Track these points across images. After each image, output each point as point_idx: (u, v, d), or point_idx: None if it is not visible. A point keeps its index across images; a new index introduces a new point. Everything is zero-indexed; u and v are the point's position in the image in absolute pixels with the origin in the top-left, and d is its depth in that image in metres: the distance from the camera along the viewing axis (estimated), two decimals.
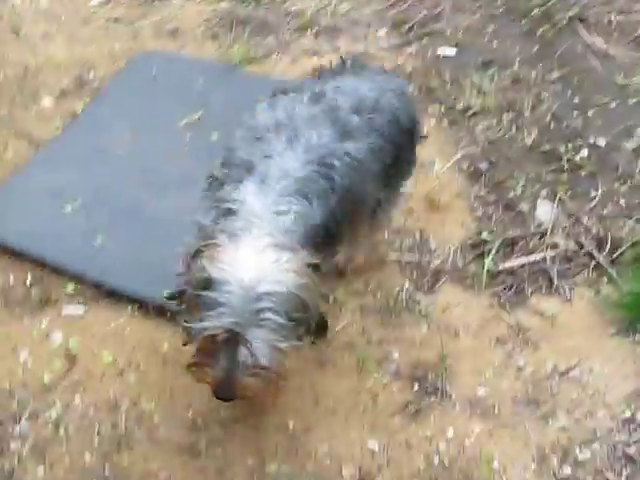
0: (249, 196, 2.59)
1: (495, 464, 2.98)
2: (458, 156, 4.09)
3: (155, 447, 3.00)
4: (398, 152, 3.02)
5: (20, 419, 3.14)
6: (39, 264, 3.61)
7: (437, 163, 4.05)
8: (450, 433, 3.06)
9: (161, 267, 3.02)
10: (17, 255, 3.64)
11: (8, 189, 3.92)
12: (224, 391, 2.48)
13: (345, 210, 2.76)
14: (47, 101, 4.45)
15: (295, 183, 2.64)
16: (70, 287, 3.55)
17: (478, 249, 3.70)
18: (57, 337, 3.38)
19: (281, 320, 2.38)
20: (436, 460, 3.00)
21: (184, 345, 2.58)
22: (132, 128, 4.15)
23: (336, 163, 2.72)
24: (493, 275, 3.59)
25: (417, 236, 3.76)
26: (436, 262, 3.65)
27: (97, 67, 4.63)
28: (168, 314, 3.27)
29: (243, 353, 2.36)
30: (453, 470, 2.98)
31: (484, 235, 3.72)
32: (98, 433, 3.04)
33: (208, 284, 2.40)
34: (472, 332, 3.38)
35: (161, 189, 3.84)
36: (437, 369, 3.25)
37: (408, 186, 3.35)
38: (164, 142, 4.07)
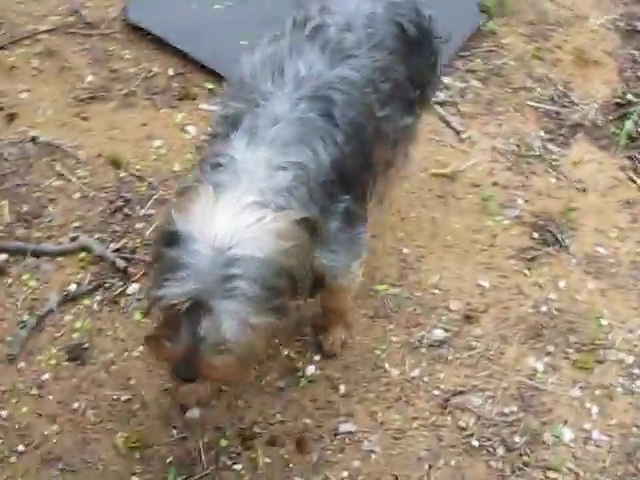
0: (238, 152, 2.26)
1: (603, 322, 3.03)
2: (617, 13, 3.96)
3: None
4: (412, 68, 2.67)
5: (147, 202, 3.26)
6: (183, 58, 3.71)
7: (592, 17, 3.94)
8: (562, 285, 3.11)
9: None
10: (163, 46, 3.76)
11: None
12: (184, 369, 2.12)
13: (358, 149, 2.43)
14: None
15: (289, 128, 2.30)
16: (210, 85, 3.64)
17: (621, 110, 3.64)
18: (192, 130, 3.49)
19: (254, 290, 2.04)
20: (544, 308, 3.06)
21: (144, 317, 2.38)
22: None
23: (333, 95, 2.37)
24: (632, 138, 3.54)
25: (560, 87, 3.71)
26: (575, 116, 3.63)
27: None
28: None
29: (207, 326, 2.03)
30: (559, 320, 3.03)
31: (629, 96, 3.65)
32: None
33: (173, 239, 2.08)
34: (601, 191, 3.39)
35: None
36: (560, 221, 3.29)
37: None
38: None
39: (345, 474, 2.67)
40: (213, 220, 2.06)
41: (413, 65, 2.66)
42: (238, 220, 2.07)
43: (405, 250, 3.19)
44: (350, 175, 2.42)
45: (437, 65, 2.85)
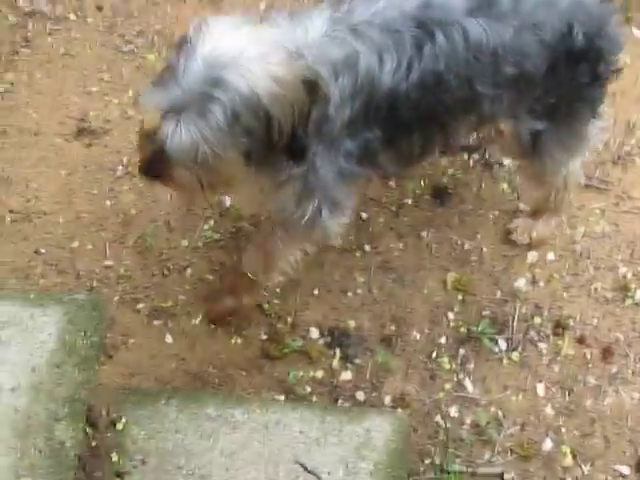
0: (314, 15, 2.28)
1: None
2: None
3: None
4: (563, 72, 2.47)
5: None
6: None
7: None
8: None
9: None
10: None
11: None
12: (147, 167, 2.24)
13: (427, 100, 2.34)
14: None
15: (377, 29, 2.27)
16: None
17: None
18: None
19: (226, 120, 2.07)
20: None
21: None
22: None
23: (439, 35, 2.28)
24: None
25: None
26: None
27: None
28: None
29: (172, 135, 2.08)
30: None
31: None
32: None
33: (181, 46, 2.12)
34: None
35: None
36: None
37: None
38: None
39: (637, 396, 2.82)
40: (221, 37, 2.09)
41: (558, 72, 2.46)
42: (246, 47, 2.08)
43: None
44: (400, 117, 2.35)
45: (594, 89, 2.60)
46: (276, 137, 2.15)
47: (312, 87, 2.14)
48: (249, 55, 2.07)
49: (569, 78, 2.49)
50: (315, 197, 2.43)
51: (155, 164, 2.19)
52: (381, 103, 2.29)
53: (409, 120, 2.36)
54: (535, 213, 3.04)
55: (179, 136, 2.07)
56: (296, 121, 2.15)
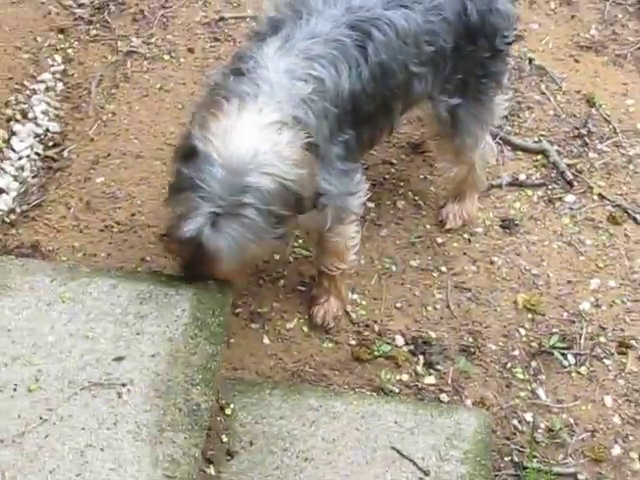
0: (265, 57, 2.44)
1: None
2: None
3: None
4: (466, 47, 2.77)
5: (605, 141, 3.78)
6: None
7: None
8: None
9: None
10: None
11: None
12: (194, 270, 2.50)
13: (380, 91, 2.60)
14: None
15: (322, 46, 2.46)
16: None
17: None
18: None
19: (263, 220, 2.30)
20: None
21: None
22: None
23: (374, 31, 2.52)
24: None
25: None
26: None
27: None
28: None
29: (212, 242, 2.33)
30: None
31: None
32: None
33: (191, 156, 2.28)
34: None
35: None
36: None
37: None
38: None
39: None
40: (232, 141, 2.24)
41: (461, 48, 2.75)
42: (257, 142, 2.25)
43: None
44: (363, 112, 2.57)
45: (495, 62, 2.90)
46: (305, 207, 2.42)
47: (313, 148, 2.37)
48: (264, 151, 2.27)
49: (472, 53, 2.78)
50: (327, 204, 2.61)
51: (200, 267, 2.44)
52: (347, 107, 2.54)
53: (368, 112, 2.61)
54: (457, 195, 3.29)
55: (225, 244, 2.29)
56: (314, 182, 2.39)
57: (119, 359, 2.41)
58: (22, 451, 2.23)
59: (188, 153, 2.29)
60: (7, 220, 3.28)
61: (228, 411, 2.62)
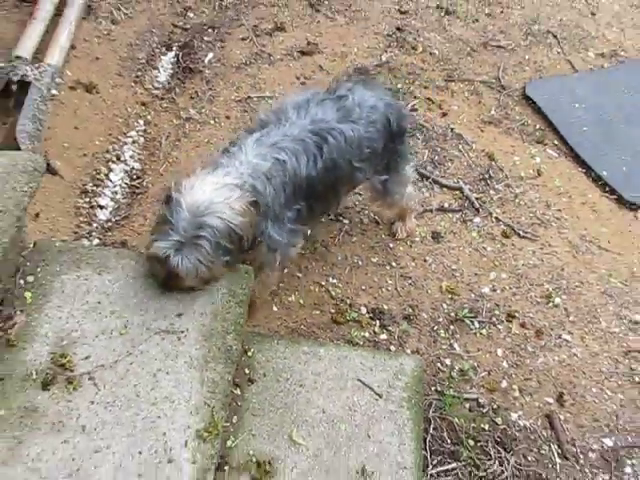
0: (247, 143, 2.44)
1: None
2: None
3: None
4: (390, 145, 2.81)
5: (500, 187, 3.82)
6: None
7: None
8: None
9: None
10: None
11: None
12: (167, 283, 2.39)
13: (329, 178, 2.58)
14: None
15: (290, 142, 2.47)
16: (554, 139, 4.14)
17: None
18: (538, 160, 4.02)
19: (212, 248, 2.25)
20: None
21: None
22: None
23: (330, 137, 2.54)
24: None
25: None
26: None
27: None
28: None
29: (179, 264, 2.28)
30: None
31: None
32: None
33: (168, 200, 2.24)
34: None
35: None
36: None
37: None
38: None
39: (557, 359, 3.09)
40: (196, 193, 2.21)
41: (388, 145, 2.79)
42: (213, 195, 2.21)
43: None
44: (315, 191, 2.55)
45: (403, 147, 2.95)
46: (245, 245, 2.35)
47: (257, 205, 2.34)
48: (217, 201, 2.24)
49: (393, 147, 2.84)
50: (277, 249, 2.61)
51: (171, 280, 2.33)
52: (302, 185, 2.52)
53: (319, 192, 2.60)
54: (401, 217, 3.30)
55: (185, 265, 2.25)
56: (253, 228, 2.35)
57: (179, 315, 2.42)
58: (116, 372, 2.25)
59: (167, 198, 2.26)
60: (105, 226, 3.30)
61: (249, 353, 2.61)
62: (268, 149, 2.42)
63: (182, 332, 2.39)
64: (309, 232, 2.85)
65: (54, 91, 3.55)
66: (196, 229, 2.19)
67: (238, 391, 2.51)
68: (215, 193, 2.22)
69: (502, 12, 4.68)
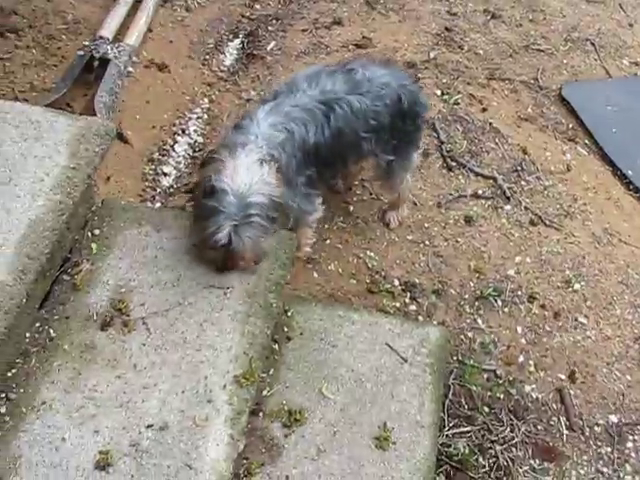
0: (260, 113, 2.38)
1: None
2: None
3: None
4: (398, 123, 2.69)
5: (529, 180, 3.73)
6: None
7: None
8: None
9: None
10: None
11: None
12: (224, 265, 2.35)
13: (336, 145, 2.50)
14: None
15: (300, 111, 2.39)
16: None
17: None
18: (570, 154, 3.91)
19: (263, 222, 2.24)
20: None
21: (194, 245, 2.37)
22: None
23: (337, 107, 2.46)
24: None
25: None
26: None
27: None
28: None
29: (237, 244, 2.25)
30: None
31: None
32: None
33: (212, 192, 2.19)
34: None
35: None
36: None
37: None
38: None
39: (571, 339, 3.00)
40: (236, 178, 2.19)
41: (395, 124, 2.67)
42: (250, 176, 2.19)
43: None
44: (323, 157, 2.48)
45: (415, 133, 2.84)
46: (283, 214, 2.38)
47: (279, 171, 2.31)
48: (256, 181, 2.22)
49: (402, 127, 2.71)
50: (290, 213, 2.54)
51: (229, 262, 2.31)
52: (311, 152, 2.45)
53: (327, 159, 2.53)
54: (392, 206, 3.17)
55: (246, 243, 2.23)
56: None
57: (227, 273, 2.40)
58: (167, 319, 2.26)
59: (212, 190, 2.21)
60: (168, 192, 3.32)
61: (289, 314, 2.59)
62: (280, 118, 2.36)
63: (228, 288, 2.38)
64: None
65: (130, 69, 3.60)
66: (245, 210, 2.17)
67: (276, 347, 2.50)
68: (251, 174, 2.19)
69: (544, 19, 4.53)
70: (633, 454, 2.70)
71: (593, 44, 4.49)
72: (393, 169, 2.85)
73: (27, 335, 2.19)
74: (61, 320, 2.24)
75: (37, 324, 2.22)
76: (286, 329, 2.58)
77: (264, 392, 2.36)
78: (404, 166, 2.89)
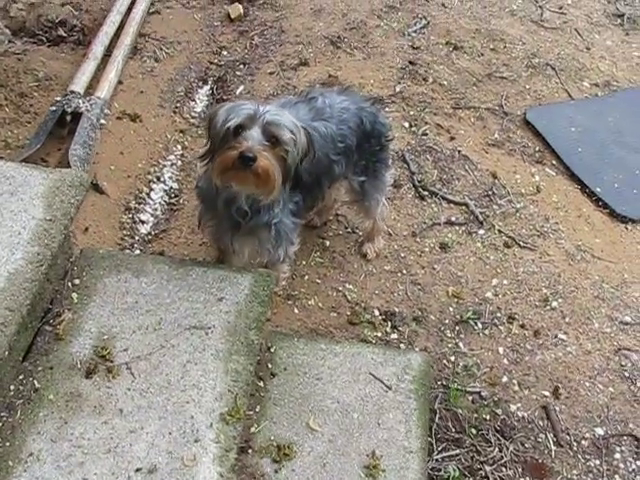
0: None
1: None
2: None
3: None
4: (364, 144, 2.79)
5: (503, 202, 3.83)
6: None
7: None
8: None
9: None
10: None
11: None
12: (246, 158, 2.24)
13: (313, 170, 2.55)
14: None
15: None
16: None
17: None
18: (538, 179, 4.03)
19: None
20: None
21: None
22: None
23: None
24: None
25: None
26: None
27: None
28: None
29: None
30: None
31: None
32: None
33: (237, 130, 2.23)
34: None
35: None
36: None
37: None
38: None
39: (552, 356, 3.05)
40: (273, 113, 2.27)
41: (362, 145, 2.77)
42: (284, 117, 2.29)
43: None
44: (304, 182, 2.52)
45: (382, 152, 2.91)
46: (311, 155, 2.40)
47: (309, 136, 2.41)
48: (286, 118, 2.31)
49: (368, 148, 2.80)
50: (283, 239, 2.62)
51: (251, 154, 2.22)
52: (294, 176, 2.45)
53: (307, 183, 2.56)
54: (369, 237, 3.21)
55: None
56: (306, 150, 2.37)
57: (207, 313, 2.48)
58: (150, 363, 2.31)
59: (235, 129, 2.27)
60: (146, 239, 3.37)
61: (272, 350, 2.63)
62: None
63: (209, 328, 2.44)
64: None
65: (103, 121, 3.66)
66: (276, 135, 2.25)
67: (261, 383, 2.53)
68: (285, 115, 2.32)
69: (505, 47, 4.70)
70: (622, 465, 2.74)
71: (554, 68, 4.64)
72: (366, 190, 2.91)
73: (11, 388, 2.22)
74: (45, 371, 2.27)
75: (21, 376, 2.25)
76: (270, 365, 2.62)
77: (252, 429, 2.40)
78: (376, 186, 2.95)
